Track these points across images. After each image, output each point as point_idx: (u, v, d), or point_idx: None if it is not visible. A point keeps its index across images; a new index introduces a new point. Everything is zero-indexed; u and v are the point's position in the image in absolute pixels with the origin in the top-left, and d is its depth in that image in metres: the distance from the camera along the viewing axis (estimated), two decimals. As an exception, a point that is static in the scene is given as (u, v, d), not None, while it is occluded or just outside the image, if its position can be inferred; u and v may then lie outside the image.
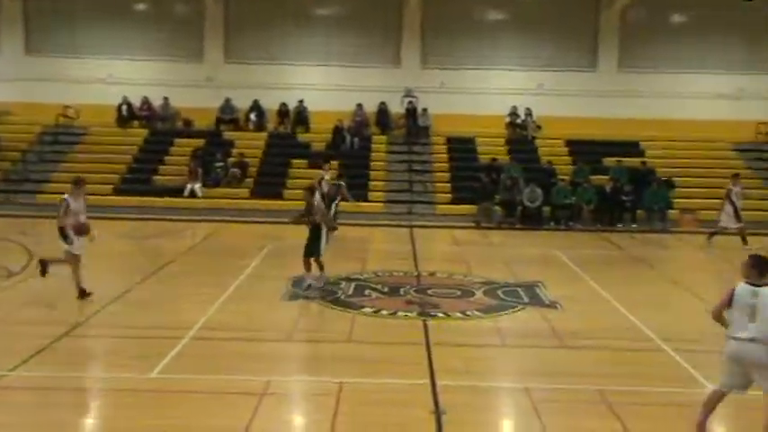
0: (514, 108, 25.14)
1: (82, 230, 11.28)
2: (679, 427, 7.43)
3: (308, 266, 12.41)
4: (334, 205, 17.74)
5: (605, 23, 25.25)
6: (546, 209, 21.38)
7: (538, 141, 24.85)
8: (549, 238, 19.42)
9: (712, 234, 18.16)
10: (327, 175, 19.47)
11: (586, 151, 23.90)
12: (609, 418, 7.42)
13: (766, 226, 20.51)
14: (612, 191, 21.53)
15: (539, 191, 21.34)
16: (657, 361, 9.41)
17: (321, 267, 12.49)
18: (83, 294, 11.29)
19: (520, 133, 25.04)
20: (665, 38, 25.28)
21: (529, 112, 24.96)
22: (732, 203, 17.94)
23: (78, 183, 11.60)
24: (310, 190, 12.83)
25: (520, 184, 21.67)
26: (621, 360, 9.53)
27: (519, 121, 25.11)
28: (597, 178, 22.28)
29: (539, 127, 24.93)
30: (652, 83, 24.98)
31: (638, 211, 21.36)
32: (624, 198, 21.50)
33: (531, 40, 25.61)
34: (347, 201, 18.83)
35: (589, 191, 21.47)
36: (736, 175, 18.99)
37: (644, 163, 23.02)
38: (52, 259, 11.76)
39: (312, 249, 12.37)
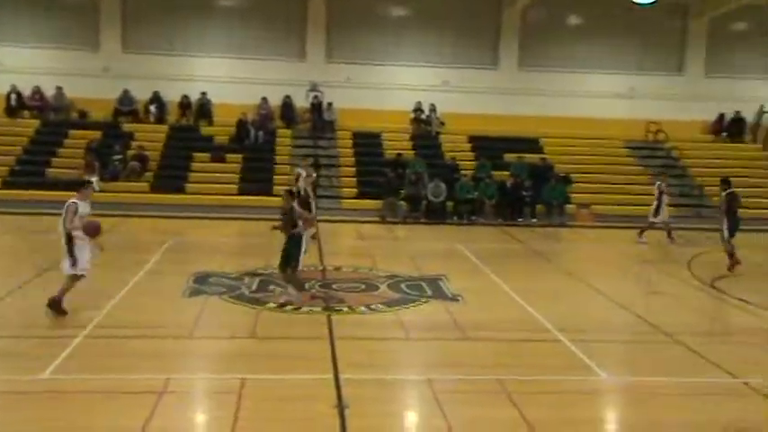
0: (419, 104, 25.42)
1: (93, 231, 10.08)
2: (573, 413, 7.70)
3: (287, 279, 11.40)
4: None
5: (507, 23, 25.85)
6: (449, 203, 21.74)
7: (442, 137, 25.21)
8: (453, 233, 19.74)
9: (666, 232, 18.93)
10: (304, 171, 18.49)
11: (488, 147, 24.44)
12: (507, 406, 7.61)
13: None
14: (513, 186, 22.09)
15: (443, 186, 21.66)
16: (554, 351, 9.70)
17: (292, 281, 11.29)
18: (56, 307, 10.00)
19: (424, 129, 25.34)
20: (564, 38, 26.11)
21: (433, 108, 25.29)
22: (659, 200, 18.76)
23: (86, 185, 10.71)
24: (290, 193, 11.53)
25: (424, 180, 21.94)
26: (520, 351, 9.80)
27: (423, 116, 25.41)
28: (499, 174, 22.81)
29: (442, 123, 25.29)
30: (551, 81, 25.76)
31: (538, 206, 22.00)
32: (524, 193, 22.10)
33: (434, 37, 25.94)
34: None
35: (491, 186, 21.96)
36: (664, 173, 19.97)
37: (543, 159, 23.72)
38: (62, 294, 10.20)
39: (289, 260, 11.24)
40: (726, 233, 15.05)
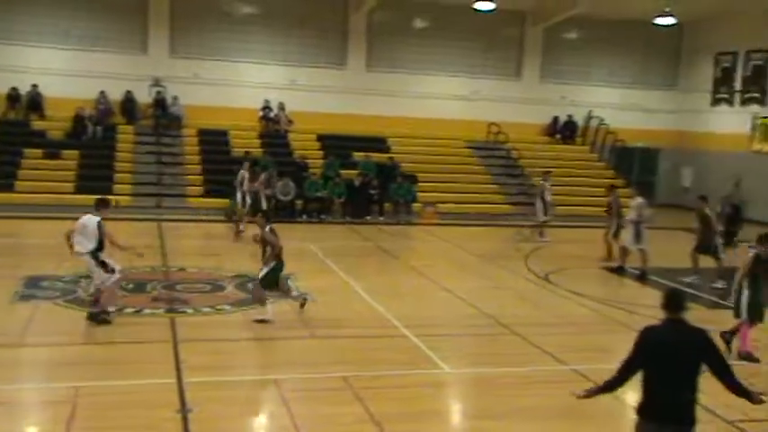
0: (267, 102, 25.16)
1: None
2: (417, 406, 7.92)
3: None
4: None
5: (354, 24, 26.10)
6: (298, 202, 21.68)
7: (291, 135, 25.09)
8: (302, 231, 19.71)
9: (535, 227, 19.53)
10: (248, 173, 18.78)
11: (337, 146, 24.59)
12: (353, 403, 7.71)
13: (496, 218, 22.49)
14: (361, 185, 22.35)
15: (291, 184, 21.58)
16: (400, 346, 9.93)
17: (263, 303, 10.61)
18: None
19: (273, 127, 25.12)
20: (409, 41, 26.70)
21: (282, 107, 25.11)
22: (543, 199, 19.43)
23: (107, 203, 10.54)
24: (265, 218, 11.16)
25: (273, 178, 21.75)
26: (367, 347, 9.95)
27: (272, 115, 25.17)
28: (347, 172, 23.01)
29: (291, 121, 25.18)
30: (398, 82, 26.27)
31: (385, 204, 22.39)
32: (372, 192, 22.42)
33: (283, 36, 25.73)
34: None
35: (340, 185, 22.11)
36: (547, 172, 20.62)
37: (391, 158, 24.17)
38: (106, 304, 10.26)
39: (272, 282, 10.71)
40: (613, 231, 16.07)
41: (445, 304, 12.69)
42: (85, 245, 10.10)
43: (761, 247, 9.94)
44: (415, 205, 22.68)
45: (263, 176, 19.68)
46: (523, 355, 9.76)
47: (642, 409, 5.26)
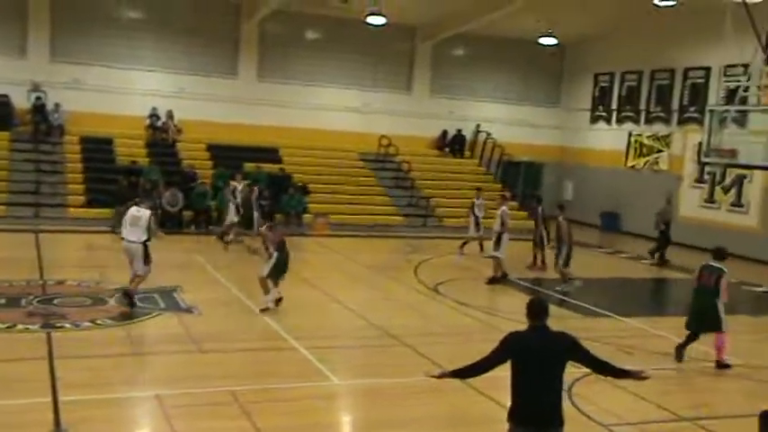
0: (155, 110, 24.47)
1: None
2: (305, 419, 7.87)
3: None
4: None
5: (246, 33, 25.78)
6: (187, 213, 21.17)
7: (179, 145, 24.48)
8: (190, 243, 19.25)
9: (464, 244, 19.52)
10: (240, 184, 19.00)
11: (227, 156, 24.17)
12: (240, 417, 7.58)
13: (387, 230, 22.72)
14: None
15: (180, 195, 21.05)
16: (289, 359, 9.85)
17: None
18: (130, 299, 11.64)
19: (160, 136, 24.44)
20: (301, 53, 26.61)
21: (170, 115, 24.48)
22: (474, 215, 19.48)
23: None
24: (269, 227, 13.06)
25: (160, 188, 21.16)
26: (256, 360, 9.81)
27: (160, 123, 24.50)
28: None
29: (180, 130, 24.58)
30: (290, 93, 26.12)
31: (277, 215, 22.15)
32: (263, 203, 22.16)
33: (171, 43, 25.09)
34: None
35: (230, 195, 21.74)
36: (478, 189, 20.71)
37: (282, 169, 23.99)
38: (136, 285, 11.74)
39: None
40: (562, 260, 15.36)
41: (336, 316, 12.69)
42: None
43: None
44: (307, 216, 22.59)
45: (255, 189, 19.42)
46: (412, 365, 9.86)
47: (512, 414, 5.47)
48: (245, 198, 18.89)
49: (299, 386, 8.78)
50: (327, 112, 26.51)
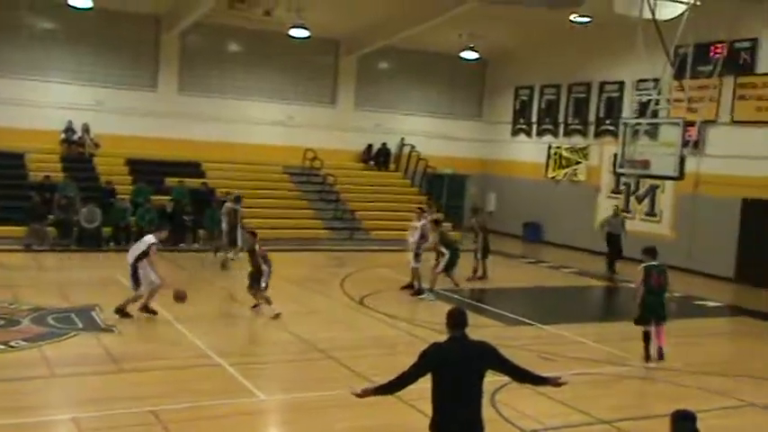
0: (70, 123, 23.75)
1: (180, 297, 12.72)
2: (230, 437, 7.74)
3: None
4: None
5: (166, 46, 25.33)
6: (106, 229, 20.59)
7: (96, 159, 23.81)
8: (109, 260, 18.73)
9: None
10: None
11: (148, 171, 23.65)
12: (162, 437, 7.39)
13: (312, 243, 22.62)
14: (174, 211, 21.65)
15: (97, 211, 20.46)
16: (213, 376, 9.67)
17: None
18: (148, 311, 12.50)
19: (76, 150, 23.72)
20: (224, 66, 26.33)
21: (86, 129, 23.80)
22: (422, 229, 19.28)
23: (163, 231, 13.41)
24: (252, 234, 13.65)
25: (76, 204, 20.54)
26: (179, 378, 9.59)
27: (76, 137, 23.78)
28: (159, 198, 22.19)
29: (97, 145, 23.92)
30: (212, 107, 25.77)
31: (201, 231, 21.80)
32: (186, 218, 21.78)
33: (88, 55, 24.41)
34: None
35: (150, 211, 21.26)
36: (427, 204, 20.30)
37: (205, 184, 23.62)
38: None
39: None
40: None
41: (261, 331, 12.55)
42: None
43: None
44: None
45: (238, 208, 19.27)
46: (338, 378, 9.83)
47: (432, 425, 5.50)
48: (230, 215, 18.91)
49: (224, 403, 8.62)
50: (251, 126, 26.28)
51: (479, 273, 18.20)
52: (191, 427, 7.81)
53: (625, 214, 23.13)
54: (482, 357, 5.54)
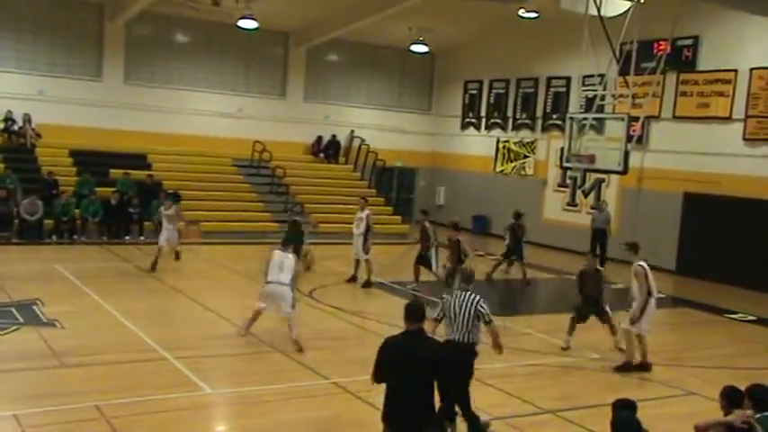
0: (10, 113, 23.08)
1: None
2: (175, 429, 7.66)
3: None
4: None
5: (110, 35, 24.77)
6: (47, 222, 20.09)
7: (38, 150, 23.19)
8: (51, 253, 18.31)
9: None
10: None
11: (92, 162, 23.13)
12: (106, 433, 7.27)
13: (261, 236, 22.42)
14: (119, 203, 21.24)
15: (39, 203, 19.94)
16: (159, 370, 9.54)
17: None
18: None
19: (17, 141, 23.07)
20: (171, 56, 25.89)
21: (28, 119, 23.16)
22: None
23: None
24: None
25: (17, 196, 19.99)
26: (124, 373, 9.42)
27: (16, 127, 23.12)
28: (104, 190, 21.74)
29: (39, 135, 23.30)
30: (159, 97, 25.32)
31: (146, 224, 21.43)
32: (131, 210, 21.39)
33: (29, 42, 23.74)
34: None
35: (95, 203, 20.82)
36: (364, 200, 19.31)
37: (151, 176, 23.22)
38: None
39: None
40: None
41: (208, 325, 12.40)
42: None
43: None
44: (179, 224, 21.91)
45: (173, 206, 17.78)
46: (285, 371, 9.80)
47: (384, 416, 5.54)
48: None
49: (169, 397, 8.52)
50: (199, 117, 25.93)
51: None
52: (135, 422, 7.70)
53: (571, 208, 23.48)
54: (428, 360, 5.55)
